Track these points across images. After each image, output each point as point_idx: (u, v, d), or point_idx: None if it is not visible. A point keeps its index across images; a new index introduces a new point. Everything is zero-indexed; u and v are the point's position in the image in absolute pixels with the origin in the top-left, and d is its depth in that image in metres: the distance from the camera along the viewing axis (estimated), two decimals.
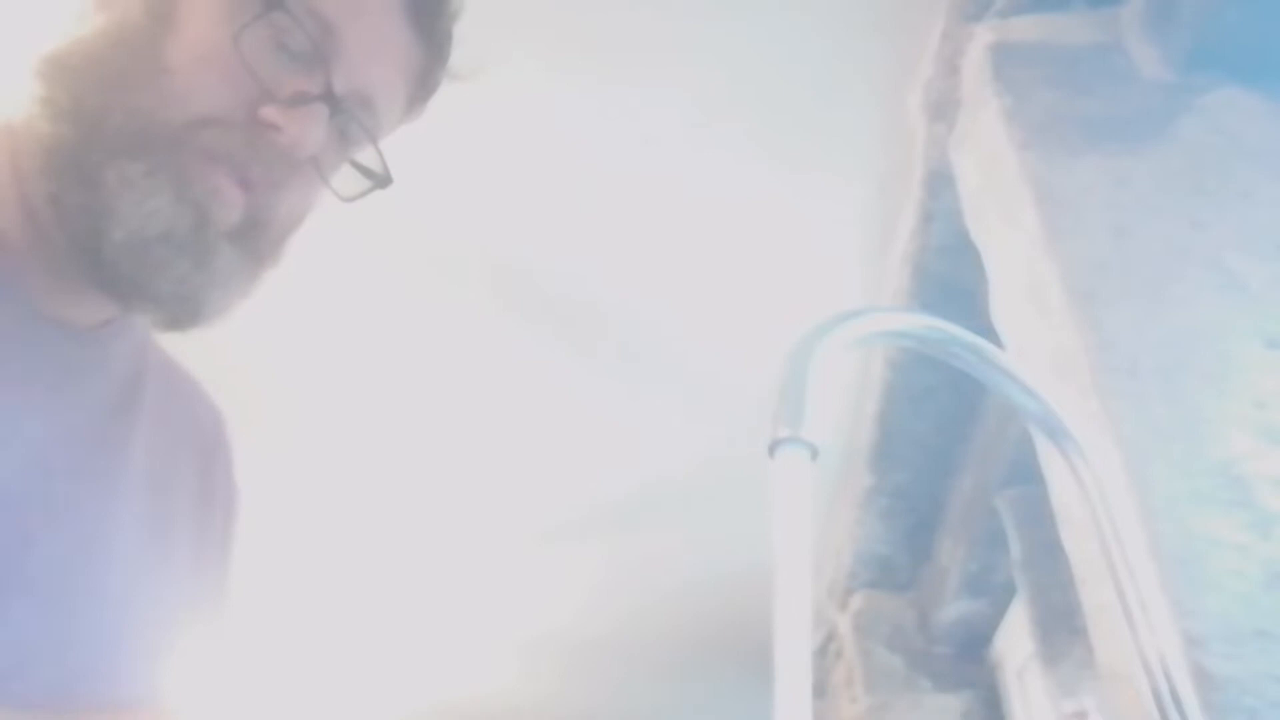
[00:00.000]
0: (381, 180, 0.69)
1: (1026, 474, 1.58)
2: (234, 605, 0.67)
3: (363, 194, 0.69)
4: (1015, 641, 2.05)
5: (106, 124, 0.58)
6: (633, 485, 2.28)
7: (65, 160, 0.58)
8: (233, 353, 0.64)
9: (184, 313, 0.61)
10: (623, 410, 2.10)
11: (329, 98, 0.62)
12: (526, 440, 2.17)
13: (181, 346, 0.68)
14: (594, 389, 2.05)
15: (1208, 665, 0.86)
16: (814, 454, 0.61)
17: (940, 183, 1.54)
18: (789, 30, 1.50)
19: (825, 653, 2.51)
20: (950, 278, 1.65)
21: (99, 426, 0.59)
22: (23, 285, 0.59)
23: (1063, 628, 1.70)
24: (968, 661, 2.24)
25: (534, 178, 1.65)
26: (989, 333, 1.10)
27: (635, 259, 1.81)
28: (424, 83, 0.70)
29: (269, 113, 0.60)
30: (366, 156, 0.68)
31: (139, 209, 0.57)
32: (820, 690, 2.49)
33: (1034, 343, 1.15)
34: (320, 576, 2.51)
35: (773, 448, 0.61)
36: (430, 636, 2.80)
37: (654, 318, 1.91)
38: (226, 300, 0.62)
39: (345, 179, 0.68)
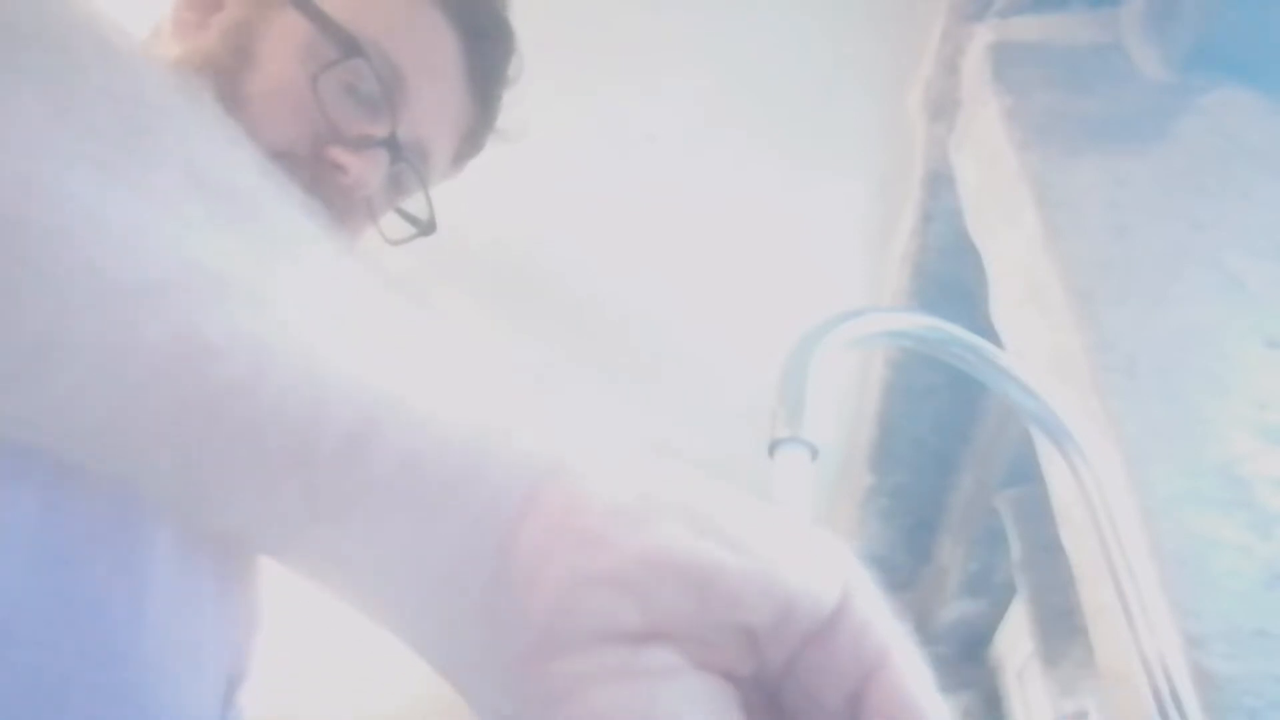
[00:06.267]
0: (426, 228, 0.73)
1: (1026, 474, 1.58)
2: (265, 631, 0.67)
3: (407, 239, 0.73)
4: (1015, 641, 2.05)
5: None
6: None
7: None
8: None
9: None
10: (620, 409, 2.10)
11: (392, 144, 0.65)
12: None
13: None
14: (591, 387, 2.05)
15: (1208, 665, 0.86)
16: (814, 454, 0.61)
17: (940, 183, 1.54)
18: (789, 30, 1.50)
19: None
20: (950, 278, 1.65)
21: None
22: None
23: (1063, 628, 1.70)
24: (968, 661, 2.24)
25: (533, 175, 1.65)
26: (989, 333, 1.10)
27: (634, 258, 1.81)
28: (472, 141, 0.74)
29: (335, 153, 0.62)
30: (413, 204, 0.72)
31: None
32: None
33: (1034, 343, 1.15)
34: None
35: (773, 448, 0.61)
36: None
37: (653, 317, 1.92)
38: None
39: (390, 223, 0.71)
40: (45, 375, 0.23)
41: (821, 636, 0.26)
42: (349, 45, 0.63)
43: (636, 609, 0.24)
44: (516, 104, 0.76)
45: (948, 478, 2.04)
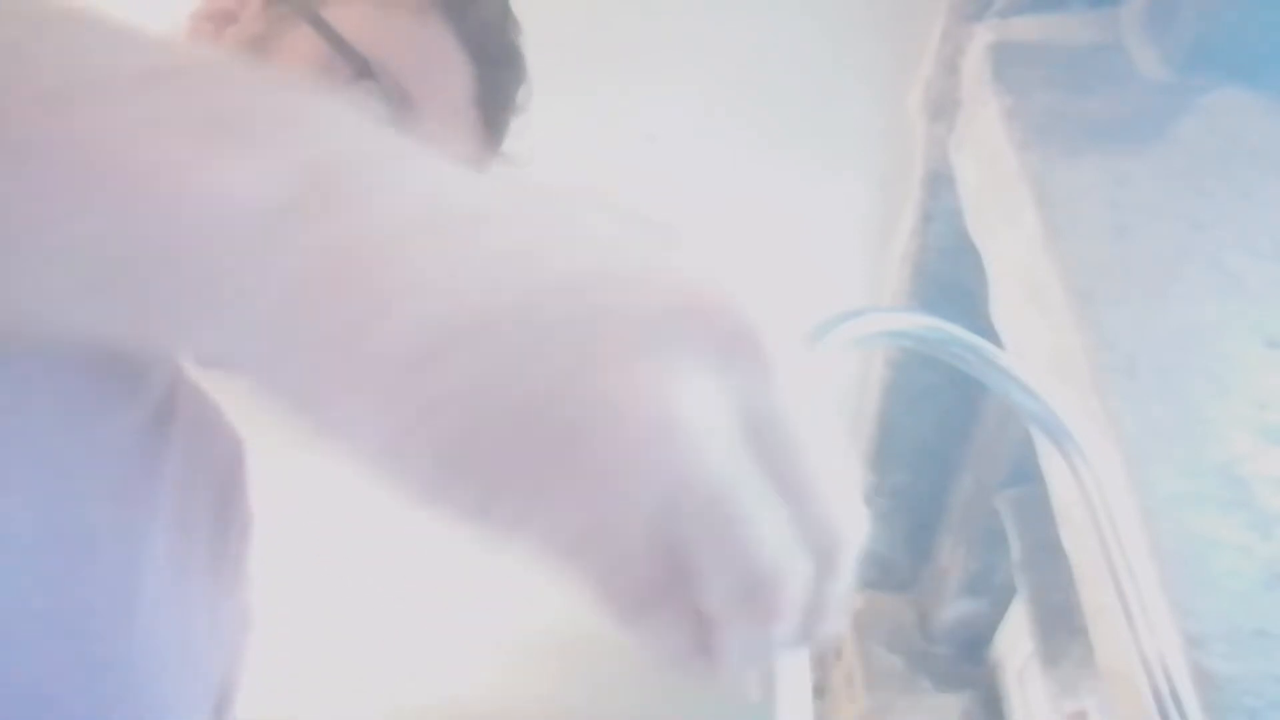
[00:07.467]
0: None
1: (1026, 474, 1.58)
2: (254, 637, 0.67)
3: None
4: (1015, 641, 2.05)
5: None
6: None
7: None
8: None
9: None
10: None
11: None
12: None
13: None
14: None
15: (1208, 665, 0.86)
16: None
17: (940, 183, 1.54)
18: (789, 30, 1.50)
19: (825, 653, 2.51)
20: (950, 278, 1.65)
21: (132, 452, 0.58)
22: None
23: (1063, 628, 1.70)
24: (968, 661, 2.24)
25: (533, 176, 1.65)
26: (989, 333, 1.10)
27: None
28: (475, 165, 0.74)
29: None
30: None
31: None
32: (820, 690, 2.49)
33: (1034, 343, 1.15)
34: (310, 575, 2.51)
35: None
36: (420, 634, 2.80)
37: None
38: None
39: None
40: None
41: None
42: (360, 66, 0.63)
43: None
44: (522, 130, 0.76)
45: (948, 478, 2.04)
